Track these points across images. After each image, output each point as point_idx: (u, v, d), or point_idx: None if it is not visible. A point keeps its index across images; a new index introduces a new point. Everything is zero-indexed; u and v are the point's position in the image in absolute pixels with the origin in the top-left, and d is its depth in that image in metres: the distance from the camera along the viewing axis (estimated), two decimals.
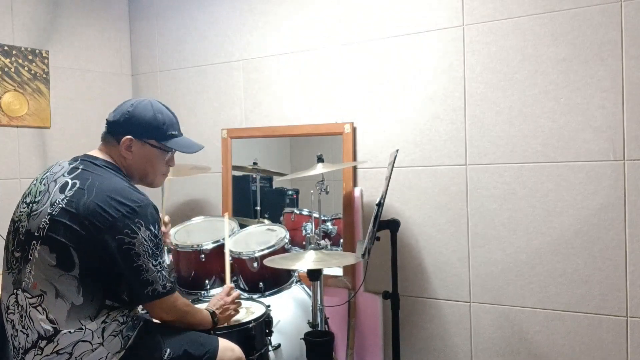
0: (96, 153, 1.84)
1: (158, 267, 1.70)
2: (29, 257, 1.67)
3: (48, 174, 1.79)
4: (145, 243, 1.67)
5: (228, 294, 2.10)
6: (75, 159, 1.81)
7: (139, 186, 1.87)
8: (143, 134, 1.83)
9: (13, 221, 1.78)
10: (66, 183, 1.71)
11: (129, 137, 1.81)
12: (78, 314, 1.62)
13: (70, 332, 1.61)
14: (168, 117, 1.88)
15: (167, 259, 2.60)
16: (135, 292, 1.70)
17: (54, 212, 1.66)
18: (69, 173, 1.74)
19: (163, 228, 2.06)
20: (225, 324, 2.04)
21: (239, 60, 3.13)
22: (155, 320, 1.91)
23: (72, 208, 1.65)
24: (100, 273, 1.66)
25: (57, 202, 1.68)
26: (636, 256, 2.18)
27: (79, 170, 1.74)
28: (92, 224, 1.63)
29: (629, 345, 2.21)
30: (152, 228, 1.69)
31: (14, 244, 1.74)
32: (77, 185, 1.70)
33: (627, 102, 2.18)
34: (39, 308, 1.63)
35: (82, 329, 1.62)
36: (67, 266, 1.63)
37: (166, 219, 2.36)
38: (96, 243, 1.63)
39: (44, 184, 1.76)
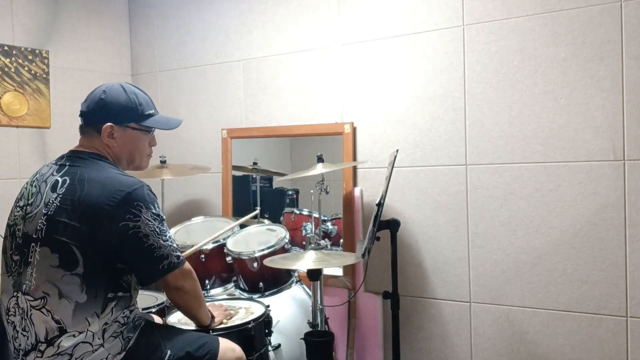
0: (80, 147, 1.82)
1: (169, 242, 1.72)
2: (29, 259, 1.66)
3: (38, 176, 1.78)
4: (150, 223, 1.67)
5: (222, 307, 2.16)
6: (61, 157, 1.79)
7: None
8: (122, 118, 1.80)
9: (8, 226, 1.77)
10: (56, 181, 1.70)
11: (108, 124, 1.78)
12: (83, 312, 1.62)
13: (73, 336, 1.61)
14: (142, 97, 1.85)
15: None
16: (151, 269, 1.70)
17: (49, 212, 1.66)
18: (58, 171, 1.74)
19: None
20: (222, 324, 2.04)
21: (239, 60, 3.13)
22: (157, 320, 1.92)
23: (68, 205, 1.65)
24: (104, 267, 1.65)
25: (50, 201, 1.67)
26: (636, 256, 2.18)
27: (67, 167, 1.74)
28: (91, 218, 1.63)
29: (629, 345, 2.21)
30: (152, 208, 1.69)
31: (12, 247, 1.73)
32: (68, 181, 1.69)
33: (627, 102, 2.18)
34: (43, 310, 1.62)
35: (84, 331, 1.62)
36: (71, 265, 1.62)
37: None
38: (98, 236, 1.63)
39: (35, 186, 1.75)
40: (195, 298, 1.85)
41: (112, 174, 1.72)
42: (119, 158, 1.83)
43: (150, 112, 1.86)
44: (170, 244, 1.72)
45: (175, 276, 1.74)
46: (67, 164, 1.75)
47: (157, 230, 1.69)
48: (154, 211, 1.69)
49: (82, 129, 1.85)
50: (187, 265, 1.78)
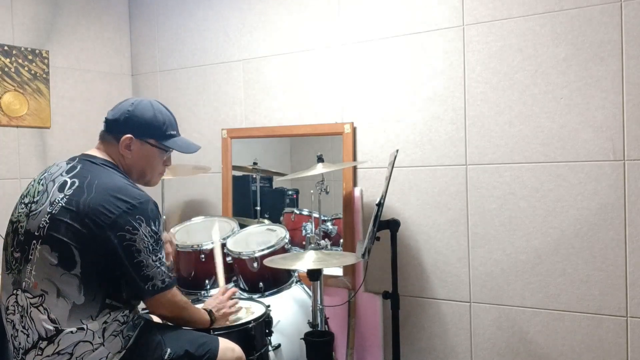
0: (94, 152, 1.84)
1: (158, 262, 1.71)
2: (29, 257, 1.67)
3: (46, 174, 1.79)
4: (146, 239, 1.67)
5: (223, 293, 2.13)
6: (72, 159, 1.81)
7: None
8: (143, 133, 1.83)
9: (11, 222, 1.78)
10: (65, 182, 1.71)
11: (129, 135, 1.81)
12: (79, 313, 1.62)
13: (72, 332, 1.61)
14: (168, 117, 1.89)
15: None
16: (136, 288, 1.71)
17: (53, 211, 1.66)
18: (67, 172, 1.74)
19: (168, 247, 2.06)
20: (226, 323, 2.04)
21: (239, 60, 3.13)
22: (156, 320, 1.92)
23: (73, 206, 1.65)
24: (102, 271, 1.66)
25: (56, 201, 1.67)
26: (636, 256, 2.18)
27: (78, 169, 1.74)
28: (94, 222, 1.63)
29: (629, 345, 2.21)
30: (152, 224, 1.69)
31: (13, 244, 1.73)
32: (77, 183, 1.69)
33: (627, 102, 2.18)
34: (40, 308, 1.63)
35: (83, 329, 1.62)
36: (69, 265, 1.62)
37: (170, 236, 2.21)
38: (98, 241, 1.63)
39: (42, 184, 1.75)
40: (180, 317, 1.85)
41: (122, 184, 1.73)
42: (131, 170, 1.85)
43: (172, 132, 1.89)
44: (158, 265, 1.71)
45: (152, 303, 1.74)
46: (79, 166, 1.76)
47: (150, 247, 1.69)
48: (152, 228, 1.69)
49: (102, 135, 1.87)
50: (170, 292, 1.75)
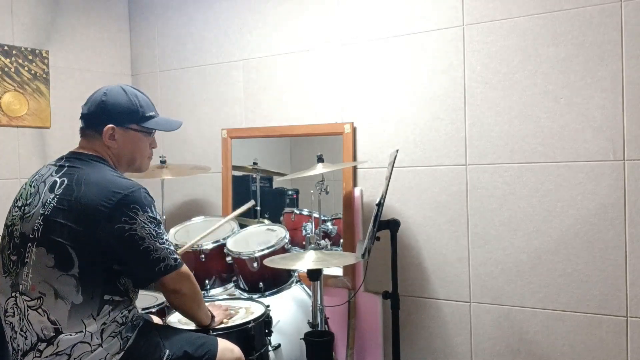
0: (80, 149, 1.83)
1: (165, 244, 1.72)
2: (26, 259, 1.66)
3: (37, 176, 1.79)
4: (147, 226, 1.67)
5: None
6: (60, 158, 1.80)
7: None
8: (123, 120, 1.81)
9: (6, 226, 1.77)
10: (55, 182, 1.71)
11: (110, 126, 1.79)
12: (79, 313, 1.62)
13: (70, 335, 1.61)
14: (143, 99, 1.87)
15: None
16: (147, 272, 1.71)
17: (46, 212, 1.66)
18: (56, 172, 1.74)
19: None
20: (222, 324, 2.04)
21: (239, 60, 3.13)
22: (156, 320, 1.92)
23: (65, 205, 1.65)
24: (100, 268, 1.65)
25: (48, 201, 1.67)
26: (636, 256, 2.18)
27: (66, 168, 1.74)
28: (87, 219, 1.63)
29: (629, 345, 2.21)
30: (148, 211, 1.69)
31: (9, 247, 1.73)
32: (66, 182, 1.69)
33: (627, 102, 2.18)
34: (40, 310, 1.62)
35: (82, 331, 1.62)
36: (66, 266, 1.62)
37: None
38: (94, 237, 1.63)
39: (34, 186, 1.75)
40: (193, 300, 1.85)
41: (110, 176, 1.72)
42: (120, 160, 1.84)
43: (151, 113, 1.87)
44: (167, 246, 1.72)
45: (172, 279, 1.74)
46: (66, 165, 1.75)
47: (154, 233, 1.69)
48: (150, 214, 1.69)
49: (83, 131, 1.85)
50: (184, 268, 1.78)
